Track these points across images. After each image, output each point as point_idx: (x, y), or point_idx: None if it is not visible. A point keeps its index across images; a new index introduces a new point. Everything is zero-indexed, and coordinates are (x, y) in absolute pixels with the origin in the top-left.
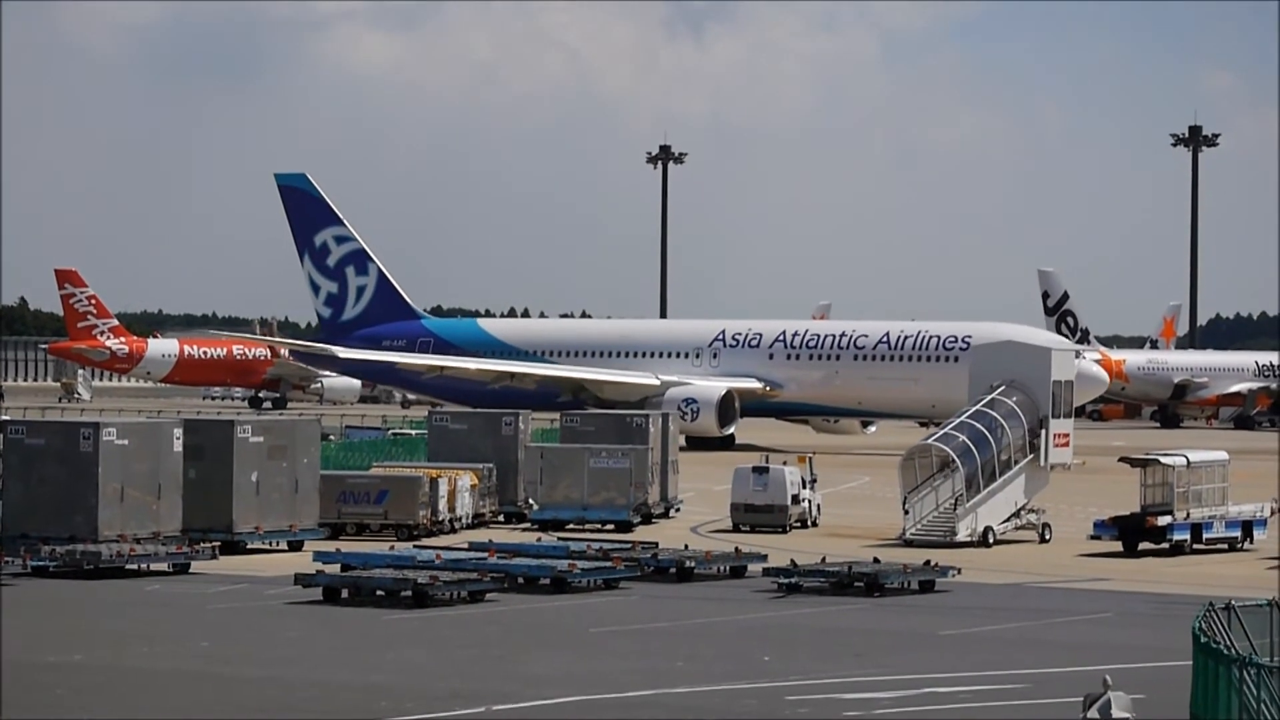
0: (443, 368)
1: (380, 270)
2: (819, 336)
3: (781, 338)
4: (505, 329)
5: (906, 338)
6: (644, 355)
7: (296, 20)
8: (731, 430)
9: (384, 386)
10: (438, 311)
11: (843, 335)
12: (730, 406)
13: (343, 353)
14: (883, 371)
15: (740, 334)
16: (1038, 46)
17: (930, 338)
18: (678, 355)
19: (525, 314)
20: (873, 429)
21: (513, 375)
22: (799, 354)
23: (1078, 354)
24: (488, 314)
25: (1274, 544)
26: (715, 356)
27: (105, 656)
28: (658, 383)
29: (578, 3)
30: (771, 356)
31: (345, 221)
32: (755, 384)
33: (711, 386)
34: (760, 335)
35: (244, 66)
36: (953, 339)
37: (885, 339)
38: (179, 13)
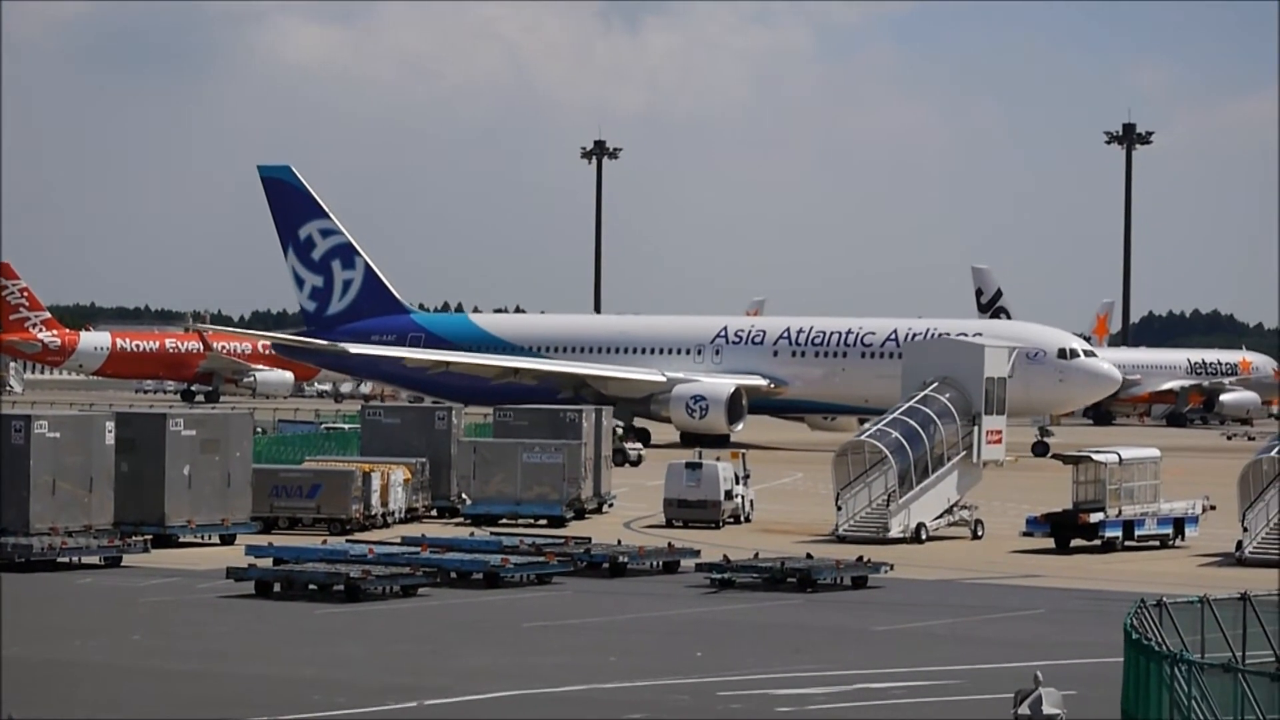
0: (449, 364)
1: (367, 264)
2: (824, 334)
3: (786, 334)
4: (500, 324)
5: (915, 335)
6: (644, 351)
7: (230, 13)
8: (740, 427)
9: (379, 382)
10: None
11: (849, 332)
12: (738, 404)
13: (354, 348)
14: (891, 369)
15: (744, 330)
16: (972, 42)
17: (939, 335)
18: (679, 352)
19: (459, 309)
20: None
21: (516, 371)
22: (804, 351)
23: (1090, 354)
24: (422, 308)
25: (1204, 541)
26: (718, 353)
27: (37, 650)
28: (664, 379)
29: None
30: (776, 353)
31: (331, 215)
32: (760, 381)
33: (720, 384)
34: (764, 332)
35: (176, 59)
36: (962, 336)
37: (893, 336)
38: (104, 8)
